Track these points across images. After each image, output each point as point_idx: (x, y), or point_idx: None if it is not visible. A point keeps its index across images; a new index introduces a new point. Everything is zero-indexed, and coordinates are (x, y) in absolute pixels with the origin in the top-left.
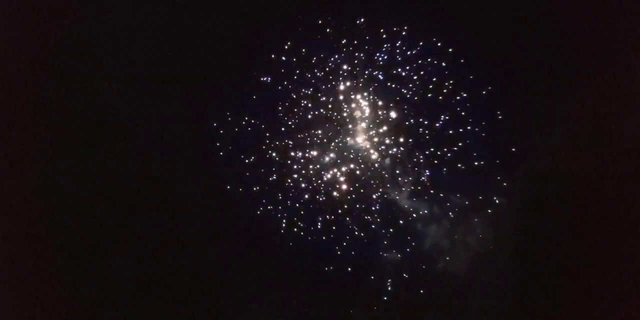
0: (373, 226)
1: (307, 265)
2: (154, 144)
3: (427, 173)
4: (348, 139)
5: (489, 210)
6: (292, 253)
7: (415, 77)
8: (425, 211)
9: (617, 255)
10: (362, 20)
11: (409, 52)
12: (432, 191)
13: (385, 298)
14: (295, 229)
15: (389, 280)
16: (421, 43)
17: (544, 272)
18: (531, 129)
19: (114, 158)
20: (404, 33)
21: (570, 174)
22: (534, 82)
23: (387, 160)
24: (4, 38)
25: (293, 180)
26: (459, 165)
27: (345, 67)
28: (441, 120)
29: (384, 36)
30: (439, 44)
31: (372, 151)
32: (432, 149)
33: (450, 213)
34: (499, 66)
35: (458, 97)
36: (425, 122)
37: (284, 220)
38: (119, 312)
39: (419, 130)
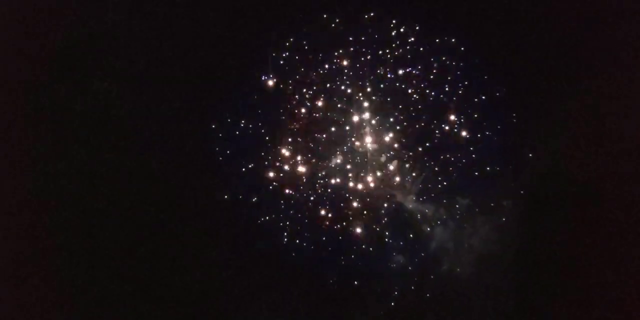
0: (381, 235)
1: (310, 276)
2: (154, 144)
3: (439, 178)
4: (355, 142)
5: (497, 213)
6: (294, 264)
7: (426, 77)
8: (438, 220)
9: (617, 256)
10: (370, 15)
11: (420, 49)
12: (443, 198)
13: (392, 304)
14: (298, 241)
15: (396, 287)
16: (437, 40)
17: (546, 273)
18: (532, 130)
19: (114, 158)
20: (416, 28)
21: (571, 174)
22: (534, 83)
23: (396, 166)
24: (4, 38)
25: (295, 187)
26: (471, 169)
27: (351, 65)
28: (456, 123)
29: (394, 32)
30: (452, 41)
31: (380, 156)
32: (444, 153)
33: (460, 218)
34: (500, 66)
35: (474, 99)
36: (439, 125)
37: (286, 231)
38: (119, 312)
39: (429, 133)
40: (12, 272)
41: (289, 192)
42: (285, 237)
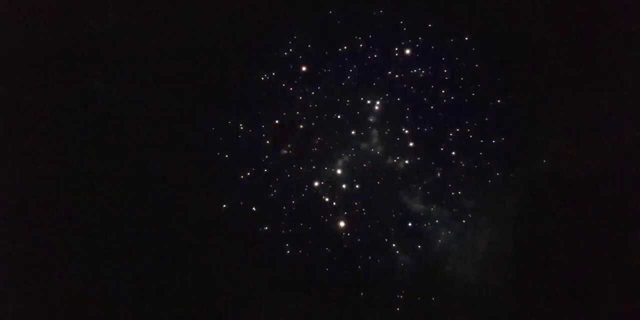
0: (388, 244)
1: (314, 289)
2: (154, 144)
3: (449, 185)
4: (361, 146)
5: (499, 214)
6: (297, 275)
7: (437, 79)
8: (443, 222)
9: (617, 256)
10: (380, 11)
11: (431, 48)
12: (449, 200)
13: (397, 309)
14: (300, 251)
15: (403, 291)
16: (451, 40)
17: (546, 273)
18: (533, 130)
19: (114, 158)
20: (429, 25)
21: (571, 174)
22: (535, 83)
23: (405, 171)
24: (4, 38)
25: (298, 195)
26: (477, 171)
27: (358, 65)
28: (468, 127)
29: (404, 30)
30: (466, 39)
31: (386, 159)
32: (452, 155)
33: (465, 219)
34: (507, 67)
35: (488, 102)
36: (447, 127)
37: (288, 243)
38: (119, 312)
39: (437, 135)
40: (13, 272)
41: (290, 198)
42: (287, 246)
